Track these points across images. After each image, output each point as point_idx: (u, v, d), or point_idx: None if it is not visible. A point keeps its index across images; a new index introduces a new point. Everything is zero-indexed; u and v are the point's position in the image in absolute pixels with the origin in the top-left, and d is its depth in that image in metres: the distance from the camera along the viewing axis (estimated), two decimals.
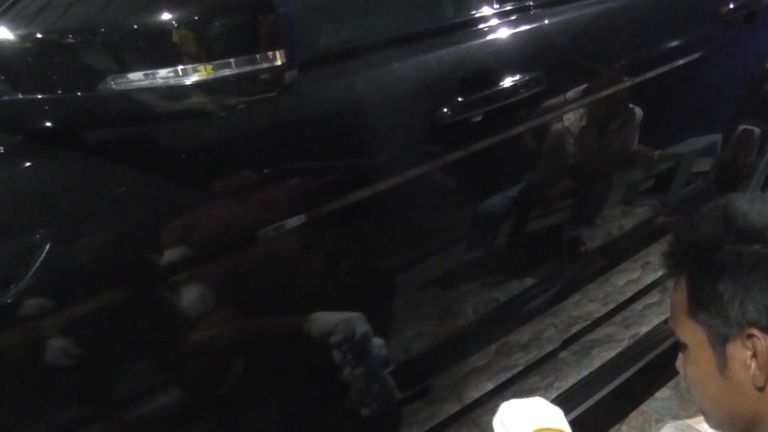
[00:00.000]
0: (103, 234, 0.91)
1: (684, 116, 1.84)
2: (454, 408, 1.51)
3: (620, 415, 2.14)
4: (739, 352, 0.91)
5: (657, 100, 1.71)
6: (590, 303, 1.75)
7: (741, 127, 1.98)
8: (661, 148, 1.80)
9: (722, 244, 0.93)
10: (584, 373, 1.81)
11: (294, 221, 1.09)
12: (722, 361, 0.93)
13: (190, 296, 1.01)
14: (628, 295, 1.84)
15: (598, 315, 1.77)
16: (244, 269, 1.08)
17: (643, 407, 2.17)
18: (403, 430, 1.41)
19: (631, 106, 1.67)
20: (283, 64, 0.84)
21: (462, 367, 1.49)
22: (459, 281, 1.44)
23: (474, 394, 1.54)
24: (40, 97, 0.82)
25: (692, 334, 0.97)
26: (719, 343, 0.93)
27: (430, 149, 1.26)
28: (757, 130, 2.01)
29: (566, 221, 1.61)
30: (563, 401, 1.78)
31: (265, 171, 1.06)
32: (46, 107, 0.83)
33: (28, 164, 0.87)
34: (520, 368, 1.61)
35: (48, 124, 0.85)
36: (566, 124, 1.49)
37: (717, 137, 1.93)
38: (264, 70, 0.84)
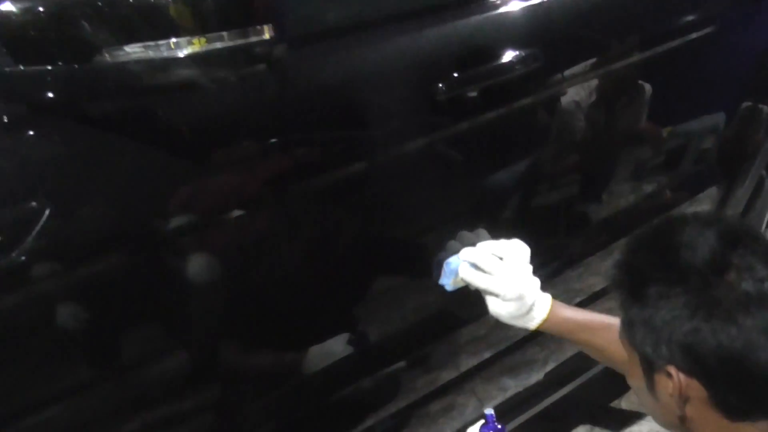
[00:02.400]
0: (99, 203, 0.95)
1: (690, 93, 1.83)
2: (451, 375, 1.54)
3: (619, 391, 2.16)
4: (663, 381, 0.92)
5: (662, 76, 1.70)
6: (592, 276, 1.76)
7: (747, 104, 1.97)
8: (665, 125, 1.80)
9: (650, 281, 0.91)
10: None
11: (288, 193, 1.13)
12: (651, 384, 0.95)
13: (195, 264, 1.06)
14: None
15: (598, 289, 1.79)
16: (243, 240, 1.12)
17: None
18: (401, 397, 1.45)
19: (636, 82, 1.67)
20: (272, 38, 0.87)
21: (461, 336, 1.52)
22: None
23: (472, 362, 1.57)
24: (40, 68, 0.85)
25: (629, 350, 0.98)
26: (647, 368, 0.95)
27: (426, 124, 1.28)
28: (765, 108, 2.00)
29: (570, 196, 1.63)
30: (562, 374, 1.81)
31: (258, 144, 1.09)
32: (47, 79, 0.87)
33: (29, 133, 0.91)
34: (519, 338, 1.63)
35: (48, 95, 0.89)
36: (566, 100, 1.49)
37: (722, 115, 1.92)
38: (254, 44, 0.87)
